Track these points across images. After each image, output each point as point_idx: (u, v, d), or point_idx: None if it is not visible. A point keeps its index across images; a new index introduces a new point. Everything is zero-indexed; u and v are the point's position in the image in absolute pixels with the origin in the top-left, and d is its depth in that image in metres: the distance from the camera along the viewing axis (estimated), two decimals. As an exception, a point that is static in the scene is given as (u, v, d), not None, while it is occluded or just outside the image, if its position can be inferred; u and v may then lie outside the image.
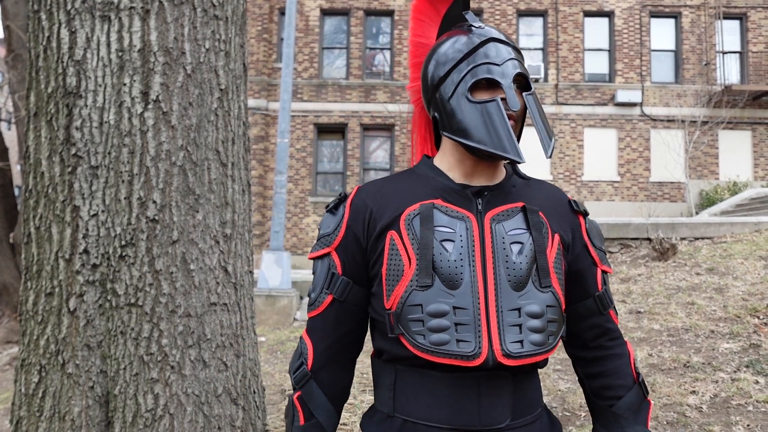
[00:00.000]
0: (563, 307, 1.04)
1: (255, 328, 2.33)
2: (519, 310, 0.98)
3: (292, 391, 1.13)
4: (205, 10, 2.07)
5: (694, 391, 3.57)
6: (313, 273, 1.13)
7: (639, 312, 5.26)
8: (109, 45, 1.95)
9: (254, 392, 2.21)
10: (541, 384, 3.79)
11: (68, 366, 1.89)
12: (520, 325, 0.98)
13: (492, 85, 1.04)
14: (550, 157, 1.04)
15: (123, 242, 1.92)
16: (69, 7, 1.96)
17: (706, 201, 14.16)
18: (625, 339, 1.08)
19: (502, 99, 1.02)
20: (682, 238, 7.58)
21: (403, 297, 0.99)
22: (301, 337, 1.14)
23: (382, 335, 1.07)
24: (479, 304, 0.98)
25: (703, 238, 7.63)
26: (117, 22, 1.95)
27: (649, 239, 7.54)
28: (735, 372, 3.78)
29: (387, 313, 1.02)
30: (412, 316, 0.98)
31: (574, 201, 1.15)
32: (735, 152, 15.12)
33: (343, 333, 1.11)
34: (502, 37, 1.07)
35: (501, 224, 1.03)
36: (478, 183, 1.08)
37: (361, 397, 3.60)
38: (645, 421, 1.09)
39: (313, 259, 1.12)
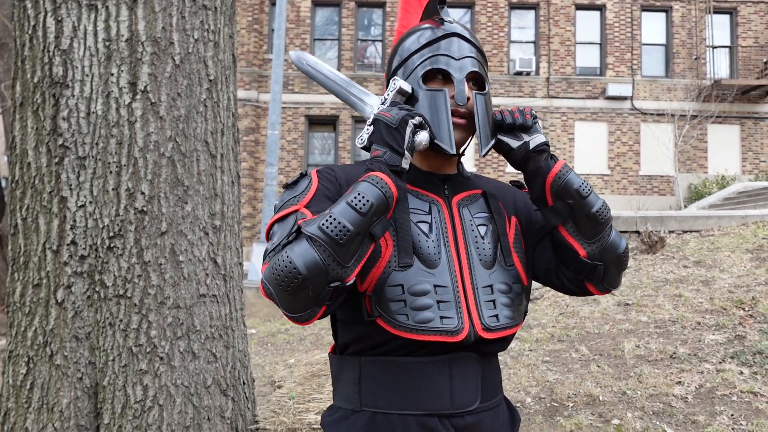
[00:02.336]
0: (525, 283, 1.10)
1: (245, 320, 2.33)
2: (491, 286, 1.04)
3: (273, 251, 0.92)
4: (193, 0, 2.05)
5: (679, 382, 3.62)
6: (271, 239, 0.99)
7: (627, 304, 5.32)
8: (96, 34, 1.93)
9: (244, 383, 2.22)
10: (530, 375, 3.83)
11: (56, 357, 1.88)
12: (494, 301, 1.04)
13: (446, 78, 1.07)
14: (483, 155, 1.06)
15: (111, 233, 1.90)
16: (55, -5, 1.93)
17: (695, 194, 14.29)
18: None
19: (451, 93, 1.06)
20: (671, 231, 7.65)
21: (382, 278, 0.99)
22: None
23: (350, 324, 1.04)
24: (457, 282, 1.02)
25: (691, 231, 7.71)
26: (104, 11, 1.93)
27: (638, 232, 7.60)
28: (720, 363, 3.83)
29: (363, 296, 1.00)
30: (393, 296, 0.98)
31: (514, 181, 1.25)
32: (724, 146, 15.25)
33: None
34: (467, 35, 1.10)
35: (466, 208, 1.09)
36: (441, 171, 1.13)
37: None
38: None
39: (272, 224, 1.00)
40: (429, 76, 1.07)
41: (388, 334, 0.99)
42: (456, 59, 1.06)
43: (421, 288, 0.99)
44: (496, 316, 1.03)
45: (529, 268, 1.13)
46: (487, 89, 1.09)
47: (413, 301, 0.98)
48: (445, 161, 1.12)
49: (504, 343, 1.09)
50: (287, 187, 1.08)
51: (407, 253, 1.00)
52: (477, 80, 1.09)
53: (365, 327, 1.01)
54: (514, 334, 1.09)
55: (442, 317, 0.98)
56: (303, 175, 1.08)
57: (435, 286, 1.00)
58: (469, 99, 1.05)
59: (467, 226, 1.07)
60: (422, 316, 0.98)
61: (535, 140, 1.05)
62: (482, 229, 1.07)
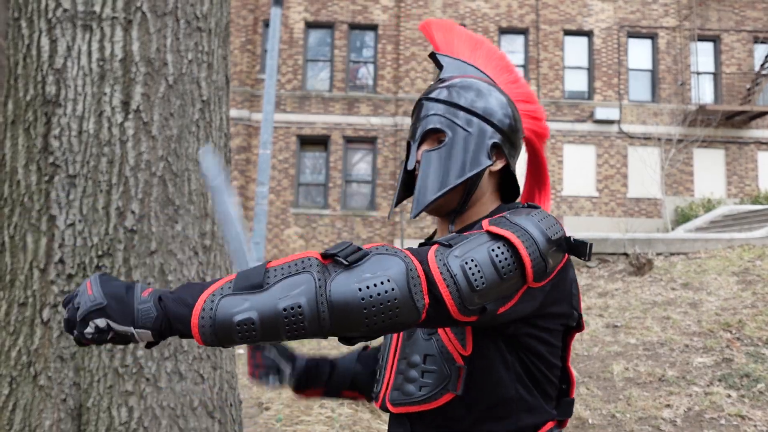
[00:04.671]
0: (456, 356, 0.98)
1: (233, 341, 2.31)
2: (406, 359, 1.02)
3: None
4: (188, 22, 2.08)
5: (668, 405, 3.62)
6: None
7: (615, 326, 5.33)
8: (90, 54, 1.94)
9: (231, 405, 2.19)
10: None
11: (40, 378, 1.85)
12: (403, 373, 1.02)
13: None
14: (414, 218, 1.06)
15: (100, 252, 1.89)
16: (50, 15, 1.95)
17: (682, 217, 14.46)
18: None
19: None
20: (658, 254, 7.71)
21: None
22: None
23: None
24: (390, 350, 1.08)
25: (678, 254, 7.78)
26: (99, 32, 1.95)
27: (626, 254, 7.66)
28: (708, 386, 3.84)
29: None
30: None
31: None
32: (709, 170, 15.49)
33: None
34: (434, 94, 1.09)
35: None
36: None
37: (339, 410, 3.58)
38: None
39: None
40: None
41: None
42: (417, 126, 1.09)
43: (379, 353, 1.12)
44: (400, 390, 1.01)
45: (468, 338, 0.98)
46: (447, 139, 1.04)
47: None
48: (440, 224, 1.13)
49: (433, 418, 0.99)
50: None
51: None
52: (444, 134, 1.07)
53: None
54: (439, 409, 0.98)
55: (376, 381, 1.10)
56: None
57: (383, 353, 1.10)
58: (418, 162, 1.06)
59: None
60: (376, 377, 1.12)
61: None
62: None
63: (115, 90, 1.94)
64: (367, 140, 15.32)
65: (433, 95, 1.09)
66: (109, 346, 1.87)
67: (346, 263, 0.82)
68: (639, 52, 16.04)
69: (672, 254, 7.79)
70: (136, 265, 1.91)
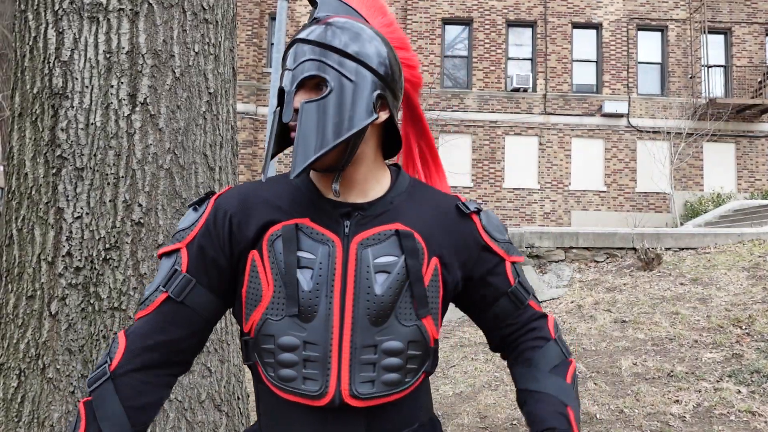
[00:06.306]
0: (432, 339, 0.96)
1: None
2: (375, 347, 0.91)
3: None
4: (195, 14, 2.06)
5: (677, 401, 3.60)
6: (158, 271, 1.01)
7: (624, 321, 5.30)
8: (96, 46, 1.93)
9: (238, 398, 2.19)
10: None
11: (48, 370, 1.86)
12: (374, 364, 0.91)
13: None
14: (295, 177, 0.88)
15: (107, 245, 1.89)
16: (57, 7, 1.94)
17: (691, 212, 14.35)
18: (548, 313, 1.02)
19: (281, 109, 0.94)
20: (667, 249, 7.66)
21: (258, 324, 0.92)
22: (114, 337, 0.99)
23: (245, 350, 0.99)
24: (332, 339, 0.90)
25: (687, 249, 7.72)
26: (105, 24, 1.94)
27: (634, 249, 7.61)
28: (718, 382, 3.81)
29: (243, 339, 0.95)
30: (266, 347, 0.92)
31: (464, 204, 1.03)
32: (719, 164, 15.36)
33: (169, 340, 0.94)
34: (311, 35, 0.93)
35: (368, 250, 0.93)
36: (350, 199, 0.97)
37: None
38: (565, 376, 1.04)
39: (161, 256, 0.99)
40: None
41: (263, 380, 0.94)
42: (291, 70, 0.92)
43: (288, 342, 0.90)
44: (372, 381, 0.90)
45: (441, 317, 0.98)
46: (329, 89, 0.90)
47: (279, 355, 0.90)
48: (348, 186, 0.96)
49: (395, 408, 0.95)
50: (192, 207, 1.01)
51: (293, 301, 0.90)
52: (324, 82, 0.91)
53: (250, 366, 0.97)
54: (408, 397, 0.96)
55: (305, 378, 0.89)
56: (208, 195, 1.01)
57: (305, 342, 0.89)
58: (296, 112, 0.91)
59: (362, 272, 0.91)
60: (284, 373, 0.90)
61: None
62: (381, 277, 0.91)
63: (122, 82, 1.93)
64: (373, 134, 15.29)
65: (309, 36, 0.93)
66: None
67: None
68: (648, 45, 15.89)
69: (681, 249, 7.74)
70: (144, 258, 1.91)
